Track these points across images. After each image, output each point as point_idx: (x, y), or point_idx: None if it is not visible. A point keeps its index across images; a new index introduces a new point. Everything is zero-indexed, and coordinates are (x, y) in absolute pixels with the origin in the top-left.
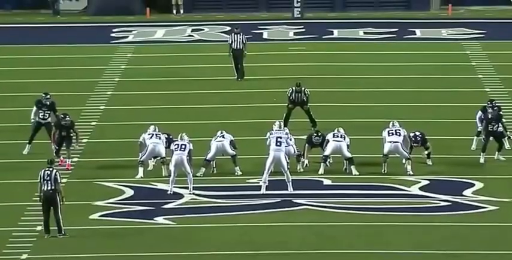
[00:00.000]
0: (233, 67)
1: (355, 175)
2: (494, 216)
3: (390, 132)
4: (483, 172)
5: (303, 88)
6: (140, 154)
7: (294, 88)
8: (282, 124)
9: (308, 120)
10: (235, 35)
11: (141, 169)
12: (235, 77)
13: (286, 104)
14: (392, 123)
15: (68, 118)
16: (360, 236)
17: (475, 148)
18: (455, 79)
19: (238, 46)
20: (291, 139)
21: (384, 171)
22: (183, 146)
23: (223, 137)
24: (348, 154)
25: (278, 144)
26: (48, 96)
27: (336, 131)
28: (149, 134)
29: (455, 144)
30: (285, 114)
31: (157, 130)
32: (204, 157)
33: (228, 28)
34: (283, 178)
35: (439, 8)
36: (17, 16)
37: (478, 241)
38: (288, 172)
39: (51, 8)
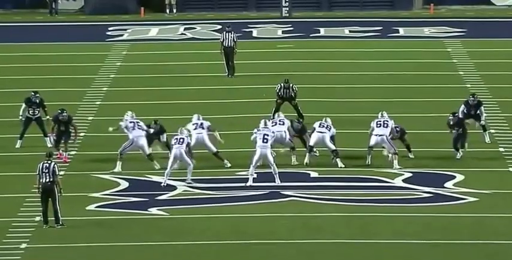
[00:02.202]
0: (224, 64)
1: (340, 167)
2: (474, 207)
3: (378, 123)
4: (464, 165)
5: (291, 85)
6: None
7: (282, 84)
8: (268, 122)
9: (296, 114)
10: (227, 33)
11: (119, 163)
12: (226, 74)
13: (275, 99)
14: (381, 114)
15: (65, 114)
16: (346, 227)
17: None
18: (437, 75)
19: (229, 44)
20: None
21: (368, 162)
22: (182, 140)
23: (202, 127)
24: (332, 146)
25: (265, 140)
26: (38, 95)
27: (323, 121)
28: (130, 122)
29: (437, 138)
30: (273, 109)
31: (134, 116)
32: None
33: (219, 27)
34: (271, 171)
35: (421, 8)
36: (16, 15)
37: (458, 231)
38: (274, 165)
39: (50, 8)
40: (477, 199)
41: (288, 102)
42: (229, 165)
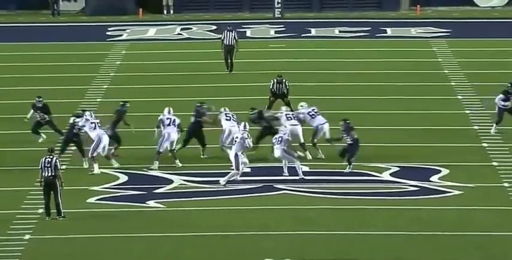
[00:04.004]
0: (224, 60)
1: (309, 159)
2: (458, 200)
3: (288, 116)
4: (449, 159)
5: (283, 80)
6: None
7: (275, 79)
8: (247, 124)
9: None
10: (228, 32)
11: (95, 165)
12: (227, 70)
13: (268, 97)
14: (301, 106)
15: (41, 100)
16: (336, 219)
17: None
18: (423, 74)
19: (229, 42)
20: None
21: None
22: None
23: (174, 124)
24: (302, 139)
25: (233, 143)
26: (41, 99)
27: (289, 113)
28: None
29: (422, 133)
30: (266, 107)
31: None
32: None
33: (214, 27)
34: (268, 165)
35: (408, 9)
36: (20, 16)
37: (444, 223)
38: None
39: (52, 9)
40: (461, 192)
41: (280, 99)
42: (180, 165)
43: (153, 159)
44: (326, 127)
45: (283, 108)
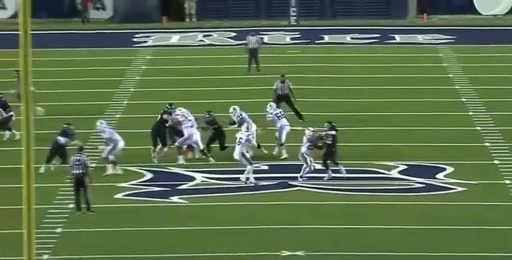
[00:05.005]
0: (248, 62)
1: (283, 158)
2: (463, 196)
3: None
4: (453, 158)
5: (286, 80)
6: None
7: (279, 80)
8: (250, 125)
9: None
10: (251, 37)
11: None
12: (247, 68)
13: (272, 99)
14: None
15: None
16: (347, 214)
17: None
18: (429, 78)
19: (253, 46)
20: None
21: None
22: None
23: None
24: (282, 140)
25: (238, 143)
26: (72, 127)
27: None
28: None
29: (429, 133)
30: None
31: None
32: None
33: (234, 34)
34: (286, 163)
35: (415, 17)
36: (51, 24)
37: (449, 218)
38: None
39: (82, 17)
40: (465, 189)
41: (285, 102)
42: (213, 161)
43: (177, 155)
44: (288, 129)
45: (271, 105)
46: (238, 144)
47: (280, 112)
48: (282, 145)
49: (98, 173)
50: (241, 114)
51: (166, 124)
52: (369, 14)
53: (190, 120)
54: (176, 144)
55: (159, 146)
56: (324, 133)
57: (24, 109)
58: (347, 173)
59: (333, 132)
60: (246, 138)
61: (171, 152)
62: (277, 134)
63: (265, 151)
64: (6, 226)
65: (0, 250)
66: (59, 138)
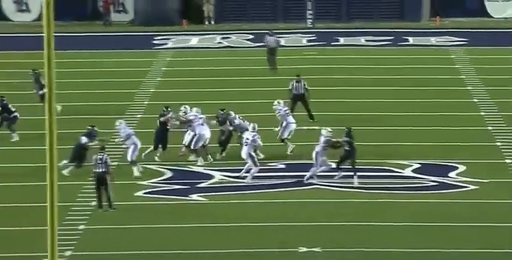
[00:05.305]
0: (267, 61)
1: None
2: (474, 194)
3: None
4: (466, 157)
5: (302, 80)
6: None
7: (294, 80)
8: (256, 126)
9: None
10: (270, 37)
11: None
12: (269, 68)
13: (289, 100)
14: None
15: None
16: (362, 211)
17: None
18: (442, 79)
19: (272, 45)
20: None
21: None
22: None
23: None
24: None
25: (245, 143)
26: (95, 128)
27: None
28: (200, 118)
29: (441, 133)
30: (289, 109)
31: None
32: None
33: (252, 36)
34: (302, 162)
35: (428, 19)
36: (75, 26)
37: (461, 215)
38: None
39: (104, 20)
40: (477, 187)
41: (300, 102)
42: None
43: (194, 157)
44: (293, 126)
45: (277, 101)
46: (245, 145)
47: (287, 109)
48: (283, 140)
49: (119, 171)
50: (287, 109)
51: (168, 127)
52: (384, 17)
53: (201, 118)
54: (192, 147)
55: (160, 150)
56: (341, 139)
57: (48, 108)
58: (363, 171)
59: (348, 139)
60: (252, 138)
61: (187, 151)
62: (280, 129)
63: (261, 156)
64: (32, 223)
65: (27, 246)
66: (82, 137)
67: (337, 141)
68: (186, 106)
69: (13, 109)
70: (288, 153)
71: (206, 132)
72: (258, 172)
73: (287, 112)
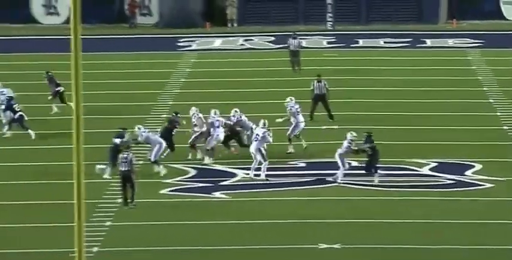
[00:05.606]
0: (290, 63)
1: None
2: (490, 192)
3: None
4: (482, 156)
5: (322, 80)
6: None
7: (315, 80)
8: (266, 122)
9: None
10: (293, 40)
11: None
12: (292, 69)
13: (311, 99)
14: (290, 99)
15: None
16: (381, 208)
17: None
18: (458, 80)
19: (295, 48)
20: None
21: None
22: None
23: (221, 126)
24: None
25: (255, 139)
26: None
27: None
28: (217, 120)
29: (457, 132)
30: (310, 108)
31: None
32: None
33: (273, 38)
34: (322, 160)
35: (445, 22)
36: (101, 29)
37: (477, 212)
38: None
39: (129, 22)
40: (493, 185)
41: (321, 103)
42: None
43: (203, 155)
44: (302, 126)
45: (290, 98)
46: (255, 140)
47: (298, 107)
48: (290, 139)
49: (145, 170)
50: (240, 116)
51: (173, 133)
52: (402, 19)
53: (218, 120)
54: (206, 147)
55: (168, 150)
56: (363, 147)
57: (75, 109)
58: (384, 170)
59: (369, 145)
60: (262, 135)
61: (219, 150)
62: (290, 128)
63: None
64: (61, 220)
65: (55, 242)
66: (115, 140)
67: (357, 150)
68: (236, 109)
69: (17, 109)
70: (287, 151)
71: (221, 134)
72: (279, 170)
73: (298, 110)
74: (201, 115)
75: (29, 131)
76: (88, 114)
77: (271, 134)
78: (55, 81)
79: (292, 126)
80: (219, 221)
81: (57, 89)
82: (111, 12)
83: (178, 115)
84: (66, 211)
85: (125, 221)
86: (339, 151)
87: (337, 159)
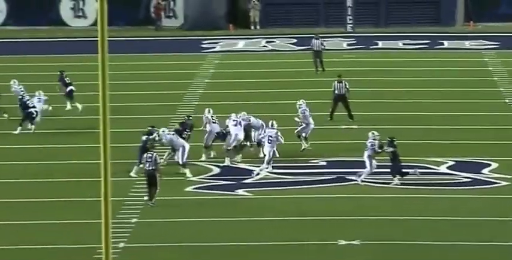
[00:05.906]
0: (313, 63)
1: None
2: (506, 190)
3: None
4: (498, 154)
5: (343, 81)
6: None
7: (336, 80)
8: (275, 123)
9: (346, 113)
10: (316, 41)
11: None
12: (315, 70)
13: (332, 99)
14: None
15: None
16: (399, 206)
17: None
18: (475, 81)
19: (318, 48)
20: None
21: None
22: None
23: (240, 125)
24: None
25: (269, 141)
26: (190, 118)
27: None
28: (234, 120)
29: (473, 131)
30: (330, 109)
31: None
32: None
33: (295, 40)
34: (342, 159)
35: (462, 24)
36: (128, 31)
37: (494, 210)
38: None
39: (155, 25)
40: (509, 183)
41: (341, 103)
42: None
43: (225, 156)
44: (312, 127)
45: (302, 101)
46: (269, 142)
47: (307, 109)
48: (299, 136)
49: (170, 168)
50: (249, 119)
51: (183, 136)
52: (420, 22)
53: (235, 120)
54: (225, 147)
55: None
56: (386, 149)
57: (102, 109)
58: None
59: (392, 149)
60: (275, 135)
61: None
62: (299, 128)
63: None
64: (89, 217)
65: (83, 238)
66: (143, 137)
67: (380, 152)
68: (244, 113)
69: (31, 105)
70: (302, 150)
71: (240, 133)
72: (301, 169)
73: (309, 113)
74: (209, 115)
75: (32, 126)
76: (114, 114)
77: (280, 134)
78: (65, 80)
79: (302, 126)
80: (242, 218)
81: (68, 89)
82: (138, 15)
83: (190, 118)
84: (95, 207)
85: (151, 218)
86: (366, 153)
87: (365, 159)
